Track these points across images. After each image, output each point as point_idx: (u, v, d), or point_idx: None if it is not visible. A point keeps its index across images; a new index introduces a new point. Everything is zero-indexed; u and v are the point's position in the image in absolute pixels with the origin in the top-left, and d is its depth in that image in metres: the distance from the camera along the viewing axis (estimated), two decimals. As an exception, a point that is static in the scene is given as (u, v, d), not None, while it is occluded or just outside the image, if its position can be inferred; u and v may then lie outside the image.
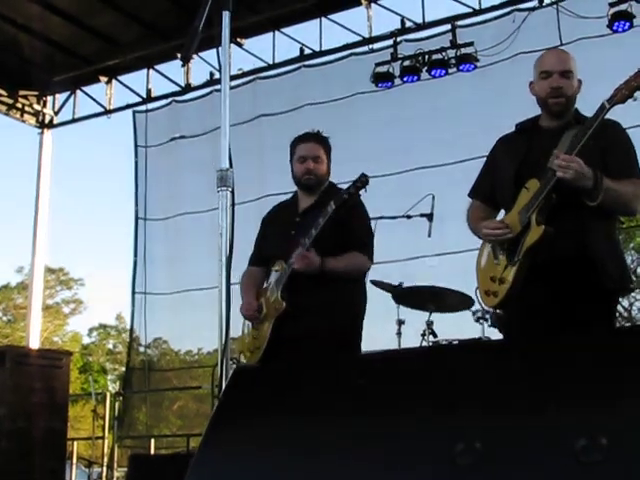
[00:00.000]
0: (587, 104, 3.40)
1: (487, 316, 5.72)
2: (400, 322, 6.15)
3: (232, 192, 2.59)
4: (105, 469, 9.48)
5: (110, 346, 33.78)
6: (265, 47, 9.26)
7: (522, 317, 3.37)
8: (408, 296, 6.02)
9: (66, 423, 6.58)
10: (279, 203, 4.61)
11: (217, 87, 9.42)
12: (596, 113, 3.14)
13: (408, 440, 1.67)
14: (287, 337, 3.95)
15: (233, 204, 2.54)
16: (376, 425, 1.74)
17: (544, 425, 1.61)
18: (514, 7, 7.93)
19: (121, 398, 10.17)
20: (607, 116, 3.16)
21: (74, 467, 9.53)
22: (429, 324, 5.96)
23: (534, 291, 3.25)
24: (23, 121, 10.96)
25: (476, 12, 8.25)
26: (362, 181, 3.81)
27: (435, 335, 5.95)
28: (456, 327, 6.36)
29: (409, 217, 6.05)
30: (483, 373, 1.78)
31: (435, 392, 1.77)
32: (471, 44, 8.03)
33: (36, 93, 10.88)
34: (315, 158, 4.19)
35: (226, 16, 2.40)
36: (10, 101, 10.66)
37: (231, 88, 9.54)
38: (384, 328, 6.42)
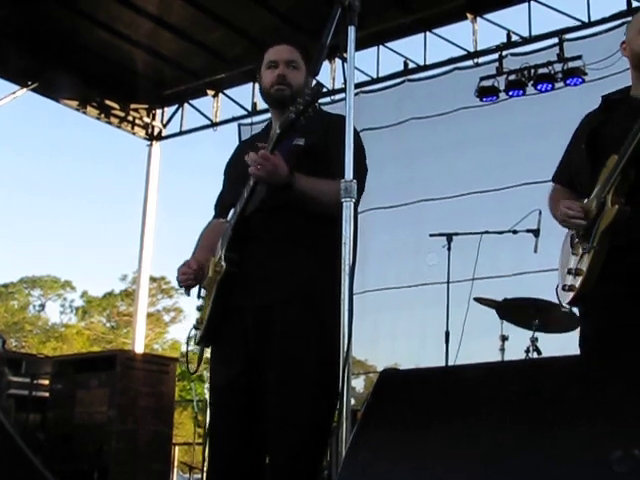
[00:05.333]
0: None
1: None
2: (504, 338, 6.08)
3: (355, 203, 2.41)
4: (204, 475, 9.65)
5: (208, 355, 34.28)
6: (369, 61, 9.36)
7: (599, 309, 2.94)
8: (512, 310, 5.95)
9: (171, 428, 6.75)
10: (250, 137, 3.50)
11: (321, 100, 9.56)
12: None
13: (566, 448, 1.67)
14: (234, 307, 2.99)
15: (356, 215, 2.45)
16: (533, 432, 1.74)
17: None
18: (624, 20, 7.76)
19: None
20: None
21: (175, 471, 9.74)
22: (533, 340, 5.87)
23: (611, 281, 2.85)
24: (133, 133, 11.34)
25: (585, 25, 8.12)
26: (314, 91, 2.77)
27: (539, 352, 5.86)
28: (561, 345, 6.26)
29: (515, 232, 6.00)
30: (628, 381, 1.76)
31: (587, 400, 1.77)
32: (579, 57, 7.90)
33: (146, 106, 11.25)
34: (289, 62, 3.10)
35: (352, 31, 2.43)
36: (122, 114, 11.05)
37: (335, 102, 9.64)
38: (487, 343, 6.38)
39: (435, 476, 1.78)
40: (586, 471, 1.61)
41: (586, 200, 2.97)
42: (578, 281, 2.93)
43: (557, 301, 3.22)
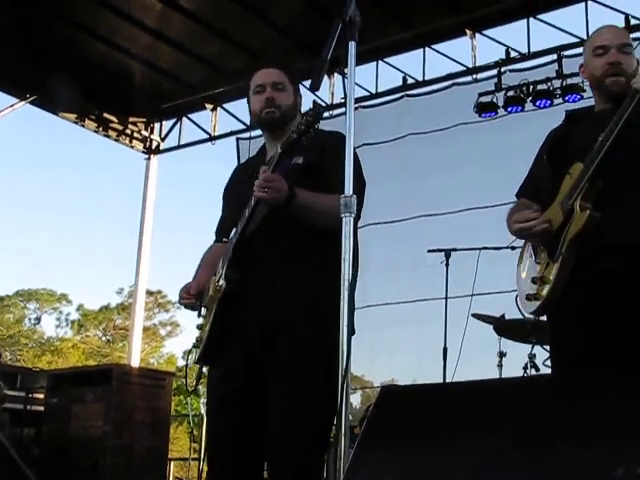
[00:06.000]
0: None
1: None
2: (501, 354, 6.07)
3: (355, 218, 2.40)
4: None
5: (205, 370, 34.22)
6: (368, 76, 9.36)
7: (567, 319, 2.87)
8: (510, 328, 5.95)
9: (167, 442, 6.72)
10: (245, 160, 3.64)
11: (320, 115, 9.57)
12: None
13: (566, 466, 1.66)
14: (236, 324, 2.98)
15: (356, 230, 2.44)
16: (532, 449, 1.73)
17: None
18: (623, 37, 7.78)
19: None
20: None
21: (170, 486, 9.69)
22: (531, 357, 5.87)
23: (579, 288, 2.80)
24: (131, 147, 11.33)
25: (583, 42, 8.12)
26: (315, 112, 2.81)
27: (537, 369, 5.86)
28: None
29: (513, 248, 5.95)
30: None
31: (587, 417, 1.76)
32: (578, 74, 7.89)
33: (144, 120, 11.25)
34: (275, 85, 3.16)
35: (352, 47, 2.43)
36: (120, 127, 11.05)
37: (334, 117, 9.62)
38: (485, 359, 6.36)
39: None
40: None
41: (547, 210, 2.94)
42: (544, 289, 2.87)
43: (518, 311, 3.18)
